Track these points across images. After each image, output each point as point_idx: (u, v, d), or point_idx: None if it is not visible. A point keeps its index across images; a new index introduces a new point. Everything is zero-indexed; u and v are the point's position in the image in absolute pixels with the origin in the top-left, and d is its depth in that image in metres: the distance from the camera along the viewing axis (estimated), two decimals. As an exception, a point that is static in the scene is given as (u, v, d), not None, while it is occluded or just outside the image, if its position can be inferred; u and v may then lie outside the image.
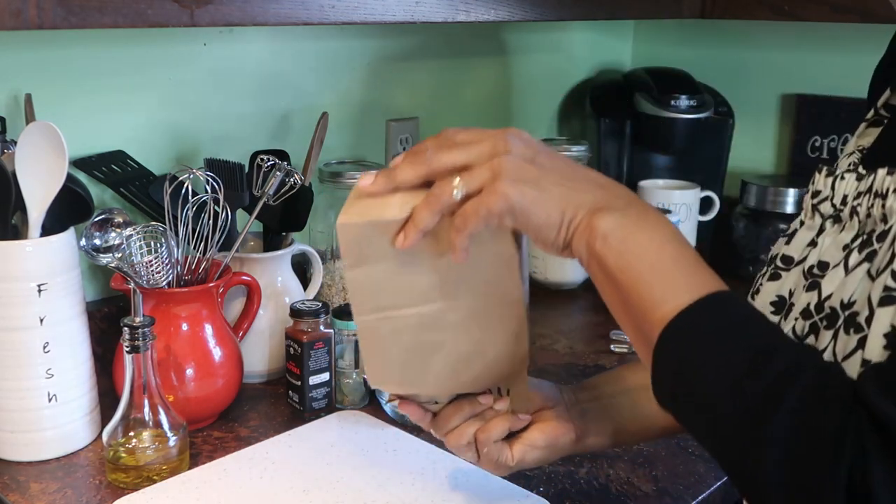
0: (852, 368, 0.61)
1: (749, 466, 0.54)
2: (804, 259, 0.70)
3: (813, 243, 0.70)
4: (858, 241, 0.66)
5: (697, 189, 1.57)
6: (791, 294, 0.70)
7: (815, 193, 0.72)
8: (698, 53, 1.76)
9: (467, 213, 0.62)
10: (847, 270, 0.65)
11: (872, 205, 0.65)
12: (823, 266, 0.67)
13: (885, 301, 0.60)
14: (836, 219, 0.69)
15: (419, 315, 0.69)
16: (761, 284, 0.74)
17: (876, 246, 0.64)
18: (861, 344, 0.61)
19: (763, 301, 0.72)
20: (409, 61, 1.50)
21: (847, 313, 0.63)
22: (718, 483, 0.96)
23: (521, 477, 0.93)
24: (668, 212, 1.49)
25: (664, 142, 1.64)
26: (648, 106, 1.60)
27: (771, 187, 1.57)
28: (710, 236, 1.66)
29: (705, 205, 1.62)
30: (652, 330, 0.59)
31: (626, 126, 1.65)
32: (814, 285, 0.68)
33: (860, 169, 0.70)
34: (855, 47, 1.57)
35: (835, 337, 0.64)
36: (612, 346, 1.30)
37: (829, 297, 0.66)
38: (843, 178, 0.69)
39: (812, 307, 0.67)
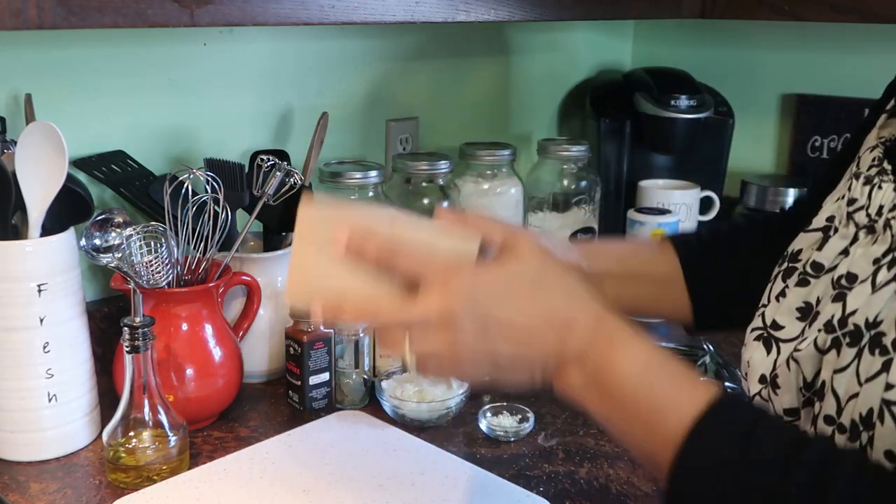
0: (876, 391, 0.60)
1: None
2: (834, 268, 0.68)
3: (845, 252, 0.68)
4: (889, 257, 0.64)
5: (697, 189, 1.57)
6: (818, 302, 0.69)
7: (851, 201, 0.70)
8: (698, 53, 1.76)
9: (427, 369, 0.64)
10: (874, 287, 0.64)
11: None
12: (852, 278, 0.66)
13: None
14: (871, 229, 0.67)
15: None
16: (786, 287, 0.72)
17: None
18: (886, 367, 0.60)
19: (790, 305, 0.71)
20: (409, 61, 1.50)
21: (872, 332, 0.62)
22: (718, 483, 0.96)
23: (521, 477, 0.93)
24: (669, 212, 1.49)
25: (664, 142, 1.64)
26: (648, 106, 1.60)
27: (771, 187, 1.57)
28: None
29: (705, 205, 1.62)
30: (662, 455, 0.59)
31: (626, 126, 1.65)
32: (840, 296, 0.66)
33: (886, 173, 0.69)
34: (855, 47, 1.57)
35: (858, 356, 0.63)
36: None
37: (853, 312, 0.64)
38: (880, 187, 0.67)
39: (836, 321, 0.66)
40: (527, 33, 1.67)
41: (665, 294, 0.92)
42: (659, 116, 1.59)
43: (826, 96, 1.61)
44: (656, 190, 1.56)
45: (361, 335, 1.10)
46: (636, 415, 0.61)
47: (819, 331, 0.67)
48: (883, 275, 0.64)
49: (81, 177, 1.07)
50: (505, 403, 1.07)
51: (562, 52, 1.75)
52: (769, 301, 0.73)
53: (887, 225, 0.65)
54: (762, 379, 0.71)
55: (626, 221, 1.51)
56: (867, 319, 0.63)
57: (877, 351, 0.61)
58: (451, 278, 0.63)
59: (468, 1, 1.06)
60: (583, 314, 0.64)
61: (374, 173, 1.27)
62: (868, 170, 0.71)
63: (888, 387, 0.59)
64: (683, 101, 1.58)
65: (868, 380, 0.61)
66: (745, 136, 1.68)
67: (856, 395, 0.62)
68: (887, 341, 0.60)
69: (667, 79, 1.64)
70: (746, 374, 0.74)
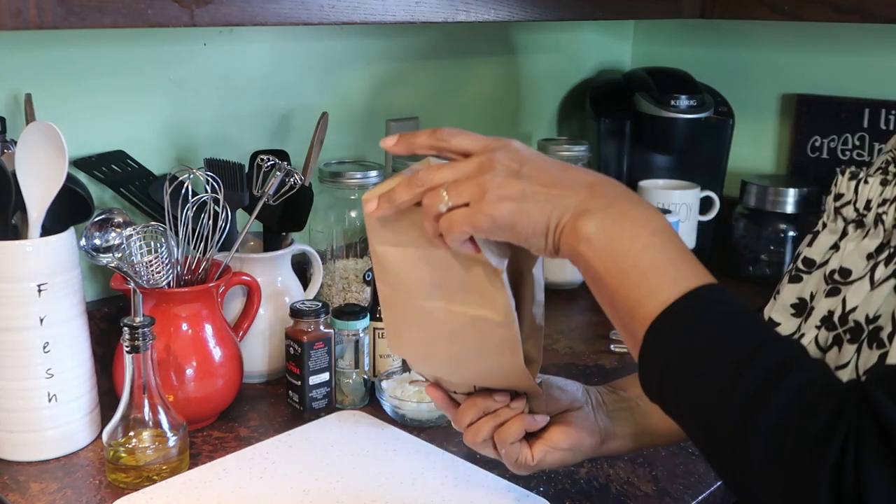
0: None
1: (737, 465, 0.54)
2: (825, 263, 0.69)
3: (835, 247, 0.69)
4: (885, 253, 0.65)
5: (697, 189, 1.58)
6: (812, 297, 0.70)
7: (838, 196, 0.71)
8: (698, 53, 1.76)
9: (452, 221, 0.64)
10: (873, 284, 0.64)
11: None
12: (845, 273, 0.67)
13: None
14: (860, 224, 0.68)
15: (422, 308, 0.71)
16: (780, 285, 0.73)
17: None
18: (882, 360, 0.60)
19: (784, 302, 0.71)
20: (409, 61, 1.50)
21: (871, 328, 0.63)
22: (718, 483, 0.96)
23: (521, 477, 0.93)
24: (669, 212, 1.49)
25: (664, 142, 1.64)
26: (648, 106, 1.60)
27: (771, 187, 1.57)
28: (710, 236, 1.66)
29: (705, 205, 1.62)
30: (638, 328, 0.60)
31: (626, 126, 1.65)
32: (834, 291, 0.67)
33: (891, 167, 0.69)
34: (855, 47, 1.57)
35: (858, 351, 0.63)
36: (611, 346, 1.30)
37: (853, 309, 0.65)
38: (866, 181, 0.68)
39: (836, 318, 0.66)
40: (527, 33, 1.67)
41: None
42: (659, 116, 1.59)
43: (826, 96, 1.61)
44: (656, 190, 1.56)
45: (361, 335, 1.10)
46: (632, 271, 0.61)
47: (818, 328, 0.67)
48: (881, 271, 0.64)
49: (81, 177, 1.07)
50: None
51: (562, 52, 1.75)
52: (774, 300, 0.73)
53: (878, 220, 0.66)
54: None
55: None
56: (867, 316, 0.63)
57: (874, 345, 0.62)
58: (499, 140, 0.67)
59: (468, 1, 1.06)
60: (607, 181, 0.66)
61: (374, 173, 1.27)
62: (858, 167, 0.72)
63: None
64: (683, 101, 1.58)
65: (866, 372, 0.61)
66: (745, 136, 1.68)
67: None
68: (884, 335, 0.61)
69: (667, 79, 1.64)
70: None
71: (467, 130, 0.69)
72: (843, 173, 0.72)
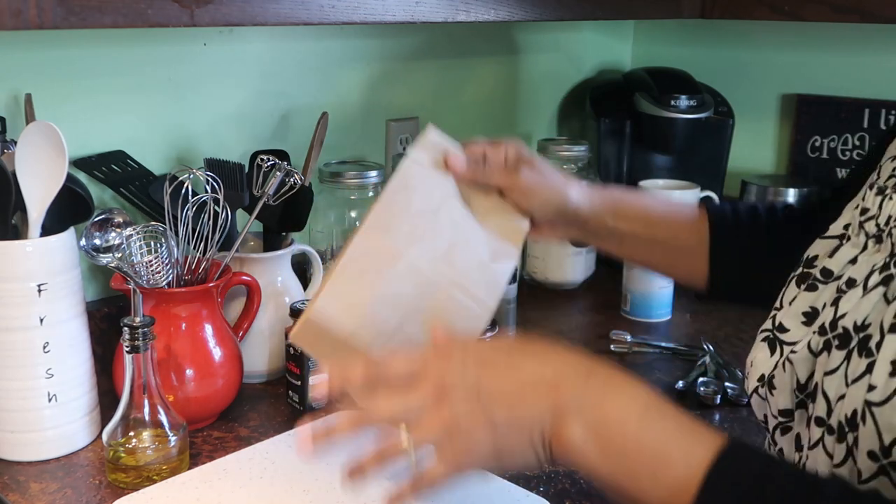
0: (860, 392, 0.60)
1: None
2: (841, 275, 0.69)
3: (854, 260, 0.69)
4: (882, 262, 0.65)
5: (697, 189, 1.57)
6: (824, 307, 0.69)
7: (864, 211, 0.70)
8: (698, 53, 1.76)
9: (431, 480, 0.64)
10: (865, 291, 0.64)
11: None
12: (851, 283, 0.67)
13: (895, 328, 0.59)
14: (878, 239, 0.67)
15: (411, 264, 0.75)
16: (798, 291, 0.72)
17: (894, 270, 0.63)
18: (870, 369, 0.60)
19: (797, 310, 0.71)
20: (409, 61, 1.50)
21: (861, 336, 0.62)
22: (718, 483, 0.95)
23: (521, 477, 0.93)
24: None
25: (664, 142, 1.64)
26: (648, 106, 1.60)
27: (771, 187, 1.57)
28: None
29: (705, 205, 1.62)
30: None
31: (626, 126, 1.65)
32: (836, 301, 0.67)
33: None
34: (855, 47, 1.57)
35: (847, 358, 0.63)
36: (612, 346, 1.30)
37: (843, 315, 0.65)
38: (891, 198, 0.67)
39: (828, 324, 0.66)
40: (527, 33, 1.67)
41: (684, 261, 0.94)
42: (659, 116, 1.59)
43: (826, 96, 1.61)
44: (656, 190, 1.56)
45: (361, 335, 1.10)
46: (640, 463, 0.59)
47: (814, 333, 0.67)
48: (874, 279, 0.64)
49: (81, 177, 1.07)
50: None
51: (562, 52, 1.76)
52: (781, 305, 0.73)
53: (889, 234, 0.66)
54: (761, 378, 0.71)
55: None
56: (855, 322, 0.63)
57: (863, 353, 0.61)
58: (442, 351, 0.65)
59: (468, 1, 1.06)
60: (571, 368, 0.64)
61: (374, 173, 1.27)
62: (887, 180, 0.71)
63: (870, 388, 0.60)
64: (683, 101, 1.58)
65: (854, 381, 0.61)
66: (745, 136, 1.68)
67: (843, 397, 0.62)
68: (873, 343, 0.61)
69: (667, 79, 1.64)
70: (749, 373, 0.74)
71: (392, 359, 0.66)
72: (871, 188, 0.71)
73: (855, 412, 0.60)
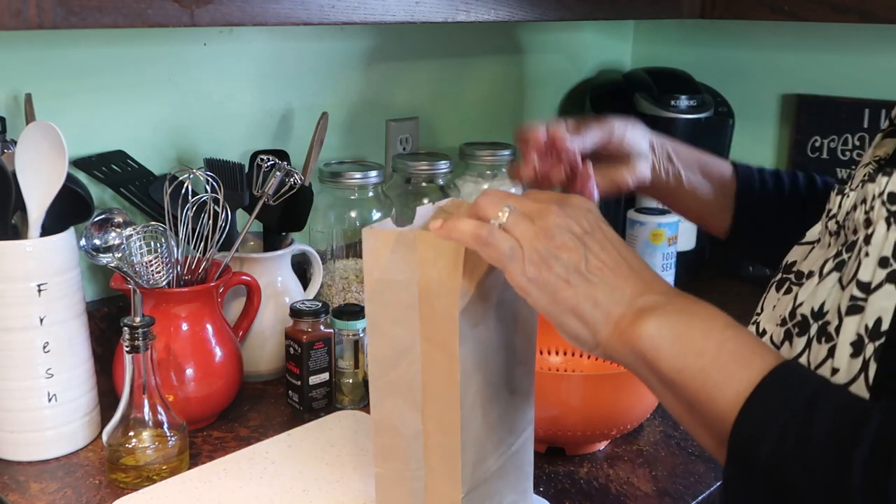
0: (824, 376, 0.61)
1: None
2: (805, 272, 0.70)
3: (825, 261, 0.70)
4: (834, 250, 0.66)
5: (697, 189, 1.57)
6: (779, 301, 0.71)
7: (828, 212, 0.71)
8: (698, 53, 1.76)
9: (476, 240, 0.63)
10: (820, 278, 0.65)
11: (865, 211, 0.65)
12: (810, 275, 0.68)
13: (852, 310, 0.60)
14: (837, 234, 0.69)
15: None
16: (777, 296, 0.73)
17: (845, 256, 0.64)
18: (831, 353, 0.61)
19: (775, 314, 0.71)
20: (409, 61, 1.50)
21: (820, 322, 0.63)
22: (718, 483, 0.96)
23: (521, 477, 0.93)
24: (668, 211, 1.49)
25: (664, 142, 1.63)
26: (648, 106, 1.60)
27: (771, 187, 1.57)
28: (711, 236, 1.65)
29: (705, 205, 1.61)
30: (724, 415, 0.57)
31: (626, 126, 1.64)
32: (795, 292, 0.68)
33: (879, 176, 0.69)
34: (855, 47, 1.57)
35: (808, 345, 0.64)
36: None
37: (801, 304, 0.66)
38: (847, 195, 0.68)
39: (787, 314, 0.67)
40: (527, 33, 1.67)
41: (712, 212, 1.03)
42: (659, 116, 1.59)
43: (826, 96, 1.61)
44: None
45: (361, 335, 1.10)
46: (717, 364, 0.58)
47: (776, 326, 0.68)
48: (828, 266, 0.66)
49: (81, 177, 1.07)
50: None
51: (562, 52, 1.76)
52: (762, 310, 0.74)
53: (843, 226, 0.67)
54: None
55: (625, 221, 1.51)
56: (812, 309, 0.65)
57: (823, 339, 0.62)
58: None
59: (468, 1, 1.06)
60: (666, 285, 0.65)
61: (374, 173, 1.27)
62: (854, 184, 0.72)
63: (834, 371, 0.61)
64: (683, 101, 1.58)
65: (817, 367, 0.62)
66: (745, 136, 1.68)
67: None
68: (832, 328, 0.62)
69: (667, 79, 1.64)
70: None
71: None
72: (833, 189, 0.72)
73: None
